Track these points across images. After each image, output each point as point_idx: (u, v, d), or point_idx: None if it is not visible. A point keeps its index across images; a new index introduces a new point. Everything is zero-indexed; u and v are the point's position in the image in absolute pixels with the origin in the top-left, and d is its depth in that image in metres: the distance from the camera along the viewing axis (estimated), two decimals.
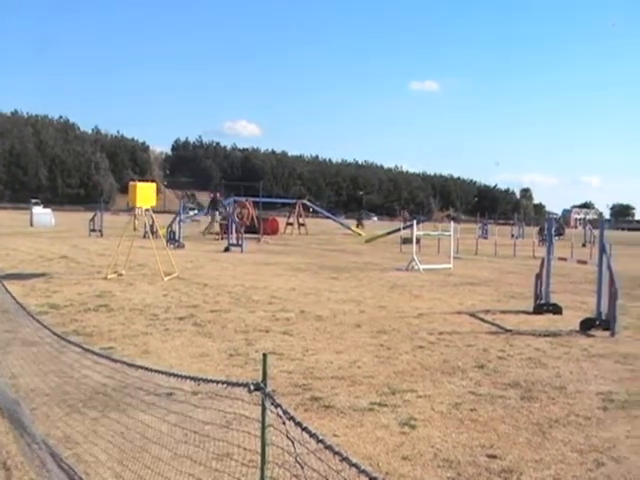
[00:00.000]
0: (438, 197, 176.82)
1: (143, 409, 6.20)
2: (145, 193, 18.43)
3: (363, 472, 2.70)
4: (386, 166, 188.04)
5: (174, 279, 17.51)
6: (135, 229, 23.70)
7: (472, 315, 13.43)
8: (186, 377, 4.28)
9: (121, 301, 13.63)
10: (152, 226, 25.76)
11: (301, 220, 53.25)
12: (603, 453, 5.89)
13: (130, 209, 20.03)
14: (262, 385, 3.40)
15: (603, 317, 12.04)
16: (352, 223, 66.76)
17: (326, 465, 3.20)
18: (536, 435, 6.34)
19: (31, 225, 46.57)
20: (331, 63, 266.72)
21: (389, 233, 42.94)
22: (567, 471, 5.47)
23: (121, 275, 17.82)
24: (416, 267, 22.96)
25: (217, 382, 3.98)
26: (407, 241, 30.38)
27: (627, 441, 6.24)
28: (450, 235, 26.69)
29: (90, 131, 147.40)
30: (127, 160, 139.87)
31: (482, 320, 12.90)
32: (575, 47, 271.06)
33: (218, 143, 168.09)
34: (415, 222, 29.48)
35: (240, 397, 3.97)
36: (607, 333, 11.69)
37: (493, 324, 12.49)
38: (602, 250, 12.35)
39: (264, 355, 3.46)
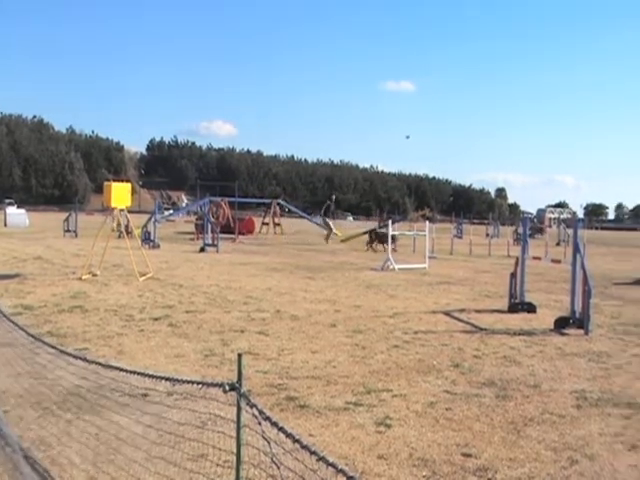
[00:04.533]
0: (413, 197, 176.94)
1: (117, 410, 6.18)
2: (120, 193, 18.35)
3: (340, 471, 2.71)
4: (361, 166, 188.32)
5: (149, 279, 17.44)
6: (114, 230, 23.60)
7: (447, 314, 13.47)
8: (161, 377, 4.27)
9: (96, 302, 13.56)
10: (127, 226, 25.66)
11: (276, 220, 53.15)
12: (577, 451, 5.93)
13: (105, 209, 19.94)
14: (237, 385, 3.40)
15: (577, 316, 12.12)
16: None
17: (302, 465, 3.20)
18: (511, 433, 6.37)
19: (5, 225, 46.14)
20: (307, 63, 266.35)
21: (365, 233, 42.95)
22: (541, 469, 5.50)
23: (96, 276, 17.72)
24: (391, 267, 23.00)
25: (192, 382, 3.97)
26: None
27: (600, 439, 6.29)
28: (425, 235, 26.75)
29: (64, 131, 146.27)
30: (102, 160, 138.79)
31: (457, 319, 12.94)
32: (552, 47, 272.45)
33: (193, 143, 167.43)
34: (390, 222, 29.46)
35: (215, 397, 3.97)
36: (581, 331, 11.77)
37: (468, 323, 12.53)
38: (576, 249, 12.44)
39: (239, 355, 3.46)
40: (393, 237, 28.16)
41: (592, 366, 9.34)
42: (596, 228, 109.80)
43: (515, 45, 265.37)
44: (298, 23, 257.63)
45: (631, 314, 14.32)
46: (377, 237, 34.03)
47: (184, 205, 76.70)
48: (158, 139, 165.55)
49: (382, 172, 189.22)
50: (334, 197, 39.95)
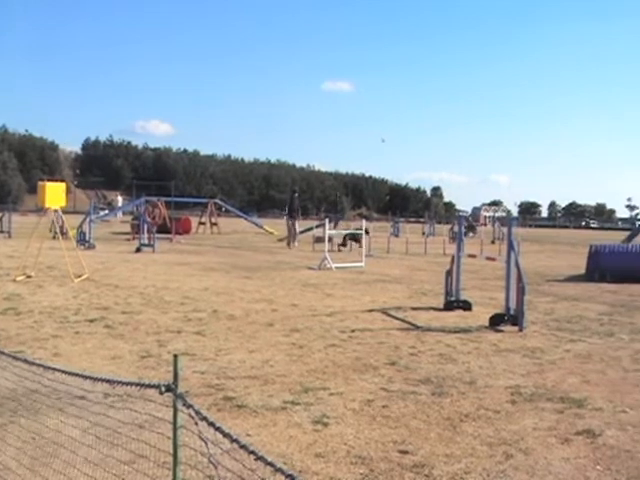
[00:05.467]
0: (350, 196, 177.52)
1: (54, 414, 6.10)
2: (54, 193, 18.11)
3: (279, 470, 2.72)
4: (298, 165, 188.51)
5: (85, 281, 17.24)
6: (51, 230, 23.26)
7: (384, 312, 13.56)
8: (97, 379, 4.22)
9: (30, 304, 13.36)
10: (62, 227, 25.34)
11: (213, 219, 52.92)
12: (512, 445, 6.02)
13: (39, 210, 19.67)
14: (173, 386, 3.38)
15: (511, 312, 12.29)
16: (265, 222, 66.63)
17: (240, 464, 3.20)
18: (447, 430, 6.44)
19: None
20: (244, 63, 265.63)
21: (302, 232, 43.04)
22: (477, 464, 5.57)
23: (30, 277, 17.47)
24: (328, 265, 23.07)
25: (128, 384, 3.94)
26: (320, 240, 30.57)
27: (534, 433, 6.39)
28: (362, 233, 26.86)
29: None
30: (36, 159, 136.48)
31: (394, 317, 13.02)
32: (487, 46, 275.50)
33: (129, 142, 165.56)
34: (327, 221, 29.53)
35: (153, 399, 3.94)
36: (515, 328, 11.93)
37: (404, 321, 12.62)
38: (510, 247, 12.60)
39: (175, 356, 3.44)
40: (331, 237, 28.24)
41: (526, 362, 9.48)
42: (530, 226, 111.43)
43: (450, 44, 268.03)
44: (234, 23, 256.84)
45: (564, 310, 14.56)
46: (350, 236, 34.24)
47: (119, 205, 75.91)
48: (93, 138, 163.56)
49: (319, 171, 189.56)
50: (297, 193, 39.02)
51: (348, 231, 35.20)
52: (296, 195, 38.76)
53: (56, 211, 18.95)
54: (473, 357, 9.70)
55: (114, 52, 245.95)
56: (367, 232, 33.78)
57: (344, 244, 33.84)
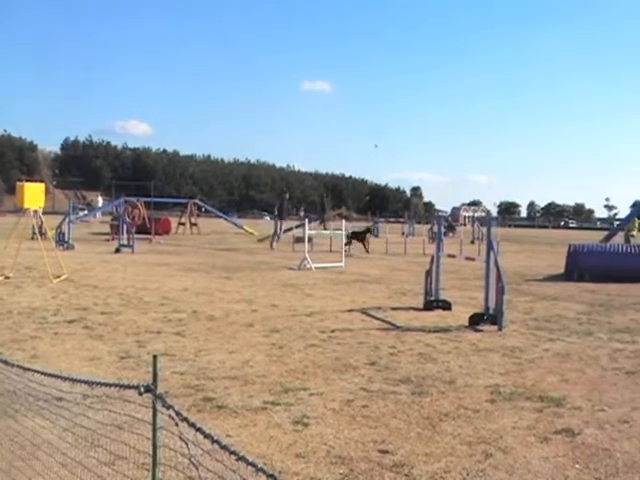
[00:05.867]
0: (330, 196, 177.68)
1: (32, 415, 6.06)
2: (33, 193, 18.03)
3: (260, 470, 2.71)
4: (278, 165, 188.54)
5: (64, 281, 17.16)
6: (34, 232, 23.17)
7: (364, 312, 13.57)
8: (76, 380, 4.21)
9: (8, 304, 13.29)
10: (41, 227, 25.23)
11: (193, 220, 52.82)
12: (491, 444, 6.05)
13: (18, 210, 19.57)
14: (152, 387, 3.37)
15: (491, 312, 12.33)
16: (245, 222, 66.60)
17: (221, 465, 3.20)
18: (427, 429, 6.46)
19: None
20: (223, 62, 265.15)
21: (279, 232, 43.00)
22: (457, 463, 5.59)
23: (8, 278, 17.37)
24: (308, 266, 23.07)
25: (107, 385, 3.93)
26: (300, 240, 30.55)
27: (514, 432, 6.42)
28: (342, 234, 26.88)
29: None
30: (14, 160, 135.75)
31: (373, 317, 13.04)
32: (463, 45, 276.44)
33: (109, 142, 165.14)
34: (307, 221, 29.51)
35: (132, 400, 3.93)
36: (495, 327, 11.97)
37: (384, 321, 12.64)
38: (490, 247, 12.65)
39: (154, 357, 3.44)
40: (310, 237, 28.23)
41: (505, 361, 9.52)
42: (509, 226, 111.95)
43: (428, 42, 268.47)
44: (217, 22, 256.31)
45: (543, 310, 14.63)
46: (355, 236, 34.26)
47: (100, 206, 75.65)
48: (72, 138, 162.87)
49: (298, 171, 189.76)
50: (287, 195, 38.81)
51: (352, 230, 35.29)
52: (287, 197, 38.60)
53: (35, 211, 18.86)
54: (453, 356, 9.73)
55: (93, 52, 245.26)
56: (369, 231, 34.12)
57: (349, 243, 33.79)
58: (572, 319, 13.39)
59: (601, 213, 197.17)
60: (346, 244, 33.36)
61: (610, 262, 21.45)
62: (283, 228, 36.61)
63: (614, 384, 8.38)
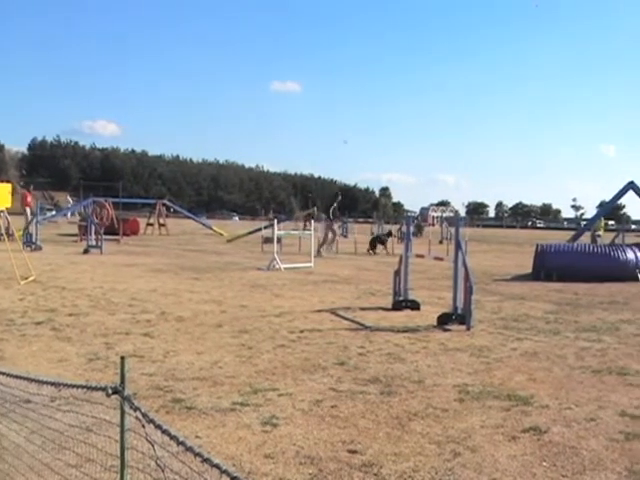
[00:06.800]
0: (299, 196, 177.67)
1: None
2: (0, 194, 17.87)
3: (225, 472, 2.71)
4: (247, 165, 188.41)
5: (31, 283, 17.01)
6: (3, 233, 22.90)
7: (333, 313, 13.58)
8: (43, 382, 4.18)
9: None
10: (7, 228, 24.99)
11: (162, 220, 52.64)
12: (459, 443, 6.07)
13: None
14: (120, 388, 3.36)
15: (459, 312, 12.38)
16: (214, 223, 66.42)
17: (188, 467, 3.18)
18: (395, 429, 6.47)
19: None
20: (192, 62, 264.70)
21: (250, 233, 43.01)
22: (425, 462, 5.60)
23: None
24: (277, 266, 23.05)
25: (75, 387, 3.91)
26: (269, 240, 30.52)
27: (482, 430, 6.45)
28: (311, 234, 26.89)
29: None
30: None
31: (342, 317, 13.05)
32: (433, 47, 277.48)
33: (77, 142, 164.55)
34: (276, 221, 29.49)
35: (100, 402, 3.91)
36: (463, 327, 12.03)
37: (353, 321, 12.65)
38: (458, 247, 12.69)
39: (122, 358, 3.42)
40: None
41: (474, 360, 9.56)
42: (477, 226, 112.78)
43: (396, 44, 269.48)
44: (185, 21, 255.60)
45: (510, 309, 14.72)
46: (379, 240, 34.36)
47: (70, 206, 75.17)
48: (40, 138, 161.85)
49: (267, 172, 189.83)
50: (340, 196, 34.12)
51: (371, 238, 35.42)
52: (339, 198, 34.13)
53: (2, 212, 18.69)
54: (421, 356, 9.76)
55: (60, 52, 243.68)
56: (390, 234, 34.26)
57: (373, 247, 33.74)
58: (539, 318, 13.48)
59: (568, 213, 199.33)
60: (371, 249, 33.38)
61: (577, 262, 21.63)
62: (334, 232, 33.40)
63: (581, 382, 8.44)
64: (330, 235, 32.63)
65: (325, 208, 34.47)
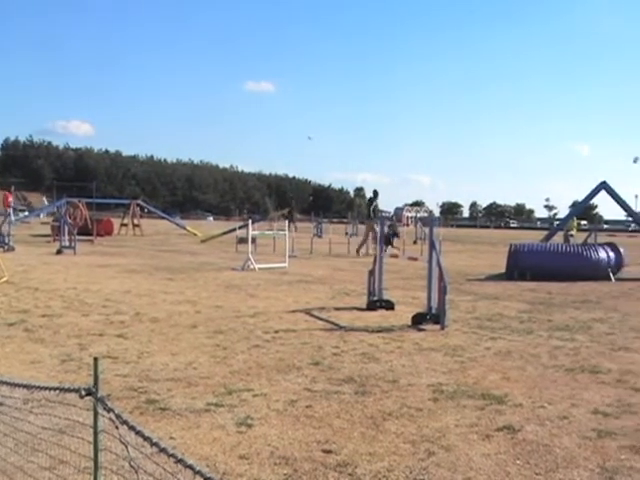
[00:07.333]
0: (274, 196, 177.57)
1: None
2: None
3: (198, 473, 2.71)
4: (221, 166, 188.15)
5: (3, 284, 16.89)
6: None
7: (307, 313, 13.58)
8: (16, 385, 4.16)
9: None
10: None
11: (136, 221, 52.43)
12: (434, 443, 6.09)
13: None
14: (93, 390, 3.35)
15: (433, 311, 12.42)
16: (188, 223, 66.23)
17: (162, 468, 3.18)
18: (370, 428, 6.48)
19: None
20: (165, 63, 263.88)
21: (225, 233, 42.92)
22: (400, 462, 5.62)
23: None
24: (252, 266, 23.02)
25: (48, 389, 3.89)
26: (243, 241, 30.47)
27: (456, 429, 6.48)
28: (285, 234, 26.87)
29: None
30: None
31: (317, 317, 13.05)
32: (406, 48, 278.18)
33: (50, 142, 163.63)
34: (250, 222, 29.46)
35: (74, 403, 3.89)
36: (437, 327, 12.06)
37: (328, 321, 12.66)
38: (432, 247, 12.74)
39: (95, 359, 3.41)
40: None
41: (448, 360, 9.59)
42: (452, 226, 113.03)
43: (370, 44, 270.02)
44: (155, 23, 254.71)
45: (484, 309, 14.78)
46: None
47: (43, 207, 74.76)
48: (13, 138, 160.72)
49: (242, 172, 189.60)
50: (377, 196, 33.50)
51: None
52: (378, 199, 34.13)
53: None
54: (396, 356, 9.78)
55: (34, 51, 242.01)
56: (397, 235, 34.11)
57: (389, 244, 33.24)
58: (513, 318, 13.55)
59: (541, 213, 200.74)
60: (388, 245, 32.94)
61: (550, 261, 21.79)
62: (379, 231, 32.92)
63: (554, 381, 8.50)
64: (371, 234, 32.20)
65: (366, 208, 33.84)
